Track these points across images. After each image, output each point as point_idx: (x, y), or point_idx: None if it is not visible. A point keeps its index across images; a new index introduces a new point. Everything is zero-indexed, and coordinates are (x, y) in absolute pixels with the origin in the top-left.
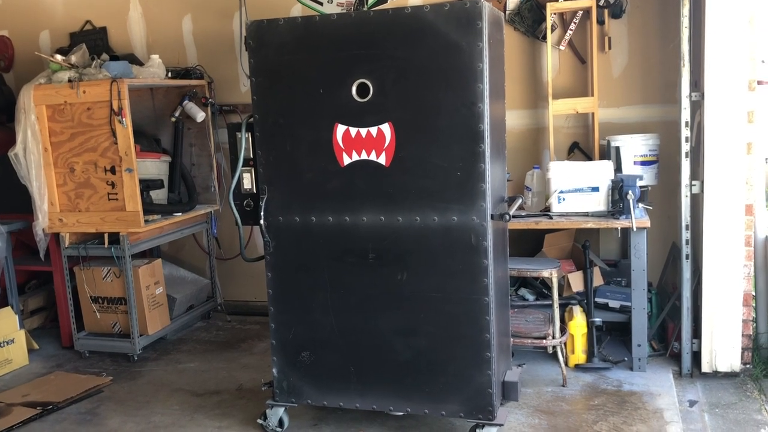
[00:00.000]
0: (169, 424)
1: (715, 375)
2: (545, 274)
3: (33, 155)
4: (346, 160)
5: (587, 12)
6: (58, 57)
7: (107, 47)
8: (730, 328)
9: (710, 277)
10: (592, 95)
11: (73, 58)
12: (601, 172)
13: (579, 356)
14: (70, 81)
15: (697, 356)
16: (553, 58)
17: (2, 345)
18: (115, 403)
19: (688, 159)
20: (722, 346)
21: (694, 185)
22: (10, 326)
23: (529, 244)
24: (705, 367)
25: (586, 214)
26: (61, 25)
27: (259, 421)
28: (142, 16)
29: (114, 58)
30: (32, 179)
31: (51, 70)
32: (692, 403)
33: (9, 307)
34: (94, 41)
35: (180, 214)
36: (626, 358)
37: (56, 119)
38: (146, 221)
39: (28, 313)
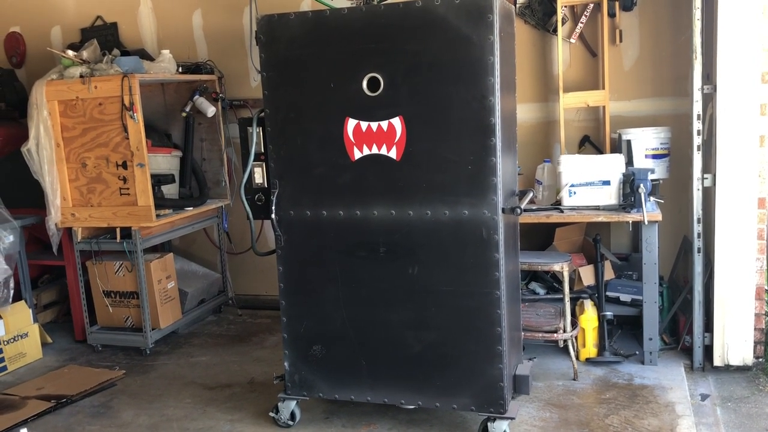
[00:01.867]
0: (182, 417)
1: (727, 369)
2: (556, 267)
3: (45, 150)
4: (357, 155)
5: (598, 5)
6: (70, 53)
7: (118, 42)
8: (742, 322)
9: (722, 270)
10: (603, 88)
11: (85, 54)
12: (612, 166)
13: (590, 350)
14: (81, 76)
15: (708, 350)
16: (563, 51)
17: (16, 339)
18: (128, 396)
19: (700, 152)
20: (734, 339)
21: (706, 178)
22: (23, 320)
23: (539, 237)
24: (717, 361)
25: (597, 208)
26: (72, 21)
27: (271, 414)
28: (153, 11)
29: (125, 53)
30: (45, 174)
31: (63, 65)
32: (704, 397)
33: (23, 301)
34: (105, 37)
35: (191, 208)
36: (637, 352)
37: (68, 114)
38: (158, 216)
39: (42, 307)
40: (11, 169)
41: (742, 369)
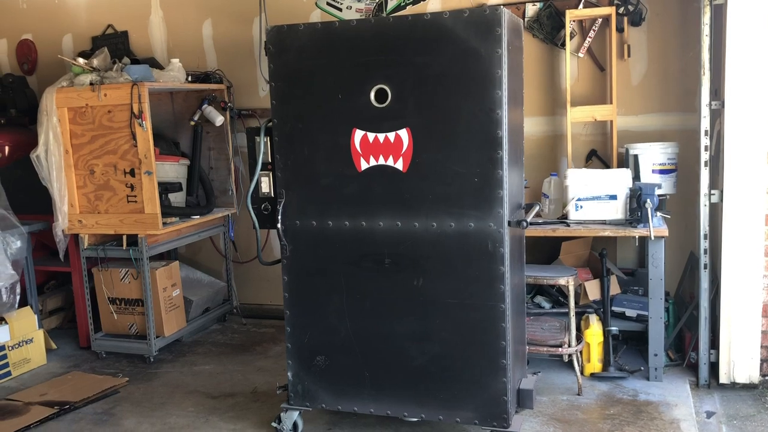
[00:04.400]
0: (184, 426)
1: (733, 386)
2: (562, 281)
3: (54, 157)
4: (364, 165)
5: (606, 19)
6: (81, 60)
7: (128, 51)
8: (748, 339)
9: (729, 287)
10: (611, 103)
11: (95, 62)
12: (619, 180)
13: (595, 365)
14: (91, 84)
15: (714, 367)
16: (571, 65)
17: (21, 344)
18: (131, 404)
19: (708, 168)
20: (740, 357)
21: (713, 194)
22: (29, 326)
23: (545, 251)
24: (723, 378)
25: (603, 222)
26: (83, 29)
27: (274, 424)
28: (163, 21)
29: (135, 61)
30: (53, 181)
31: (73, 73)
32: (710, 415)
33: (28, 307)
34: (115, 45)
35: (198, 216)
36: (642, 368)
37: (77, 122)
38: (164, 224)
39: (47, 313)
40: (20, 175)
41: (749, 387)
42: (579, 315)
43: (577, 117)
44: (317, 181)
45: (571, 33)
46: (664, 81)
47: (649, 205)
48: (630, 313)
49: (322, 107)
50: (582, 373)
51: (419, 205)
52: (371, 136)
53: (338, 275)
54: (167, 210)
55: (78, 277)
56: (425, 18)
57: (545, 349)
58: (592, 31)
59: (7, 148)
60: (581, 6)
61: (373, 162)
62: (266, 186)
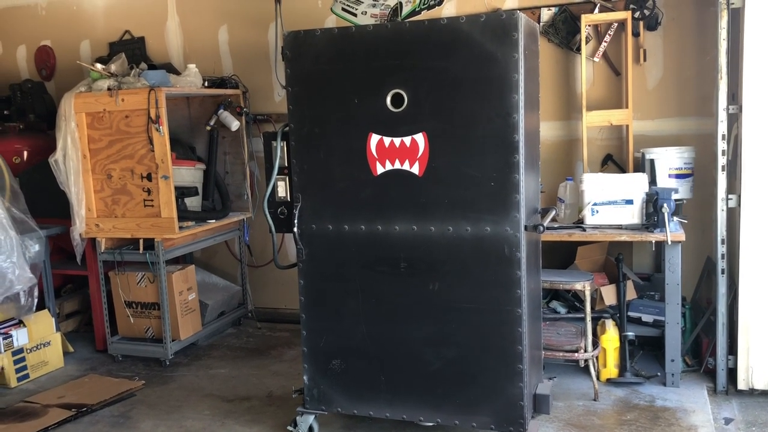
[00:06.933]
0: (200, 429)
1: (752, 393)
2: (578, 286)
3: (72, 162)
4: (380, 170)
5: (622, 24)
6: (98, 66)
7: (145, 56)
8: (767, 345)
9: (747, 292)
10: (627, 107)
11: (113, 67)
12: (635, 185)
13: (611, 370)
14: (109, 89)
15: (732, 373)
16: (587, 69)
17: (39, 347)
18: (147, 406)
19: (725, 172)
20: (759, 363)
21: (731, 199)
22: (46, 329)
23: (561, 256)
24: (741, 385)
25: (619, 227)
26: (101, 35)
27: (289, 428)
28: (180, 26)
29: (152, 67)
30: (71, 185)
31: (91, 78)
32: (728, 421)
33: (46, 310)
34: (132, 51)
35: (213, 221)
36: (659, 374)
37: (95, 126)
38: (180, 228)
39: (64, 317)
40: (39, 179)
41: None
42: (595, 320)
43: (593, 121)
44: (333, 185)
45: (586, 38)
46: (680, 85)
47: (665, 209)
48: (646, 318)
49: (338, 112)
50: (598, 378)
51: (435, 210)
52: (387, 140)
53: (354, 279)
54: (183, 214)
55: (95, 281)
56: (441, 23)
57: (561, 354)
58: (607, 36)
59: (25, 153)
60: (597, 10)
61: (389, 166)
62: (282, 190)
